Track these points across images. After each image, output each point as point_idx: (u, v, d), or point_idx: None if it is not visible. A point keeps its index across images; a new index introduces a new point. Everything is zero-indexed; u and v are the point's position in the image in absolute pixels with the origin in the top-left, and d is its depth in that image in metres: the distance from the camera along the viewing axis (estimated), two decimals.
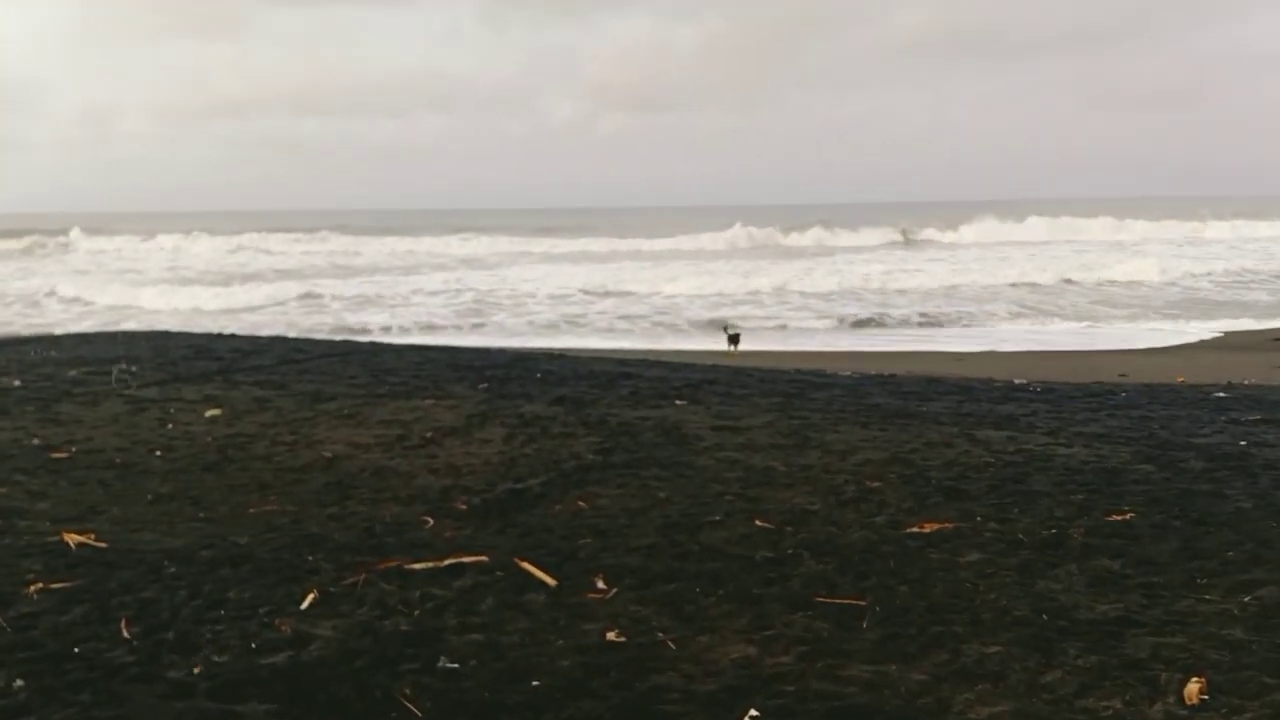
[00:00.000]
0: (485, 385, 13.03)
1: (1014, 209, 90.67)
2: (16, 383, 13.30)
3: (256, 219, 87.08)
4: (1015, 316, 24.74)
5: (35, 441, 9.80)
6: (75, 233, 59.38)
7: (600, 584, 5.84)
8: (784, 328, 23.36)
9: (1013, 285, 30.79)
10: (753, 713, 4.09)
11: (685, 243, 54.44)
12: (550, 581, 5.88)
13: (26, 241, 56.37)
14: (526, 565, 6.16)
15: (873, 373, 14.70)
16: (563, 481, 8.20)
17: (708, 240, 54.83)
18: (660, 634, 5.07)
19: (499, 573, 6.03)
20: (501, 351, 17.56)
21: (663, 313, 27.28)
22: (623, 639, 5.03)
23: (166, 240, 54.48)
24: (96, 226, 67.28)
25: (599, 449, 9.32)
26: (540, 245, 53.51)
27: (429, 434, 10.12)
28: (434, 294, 31.46)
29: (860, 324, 23.74)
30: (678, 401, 11.78)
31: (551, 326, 25.36)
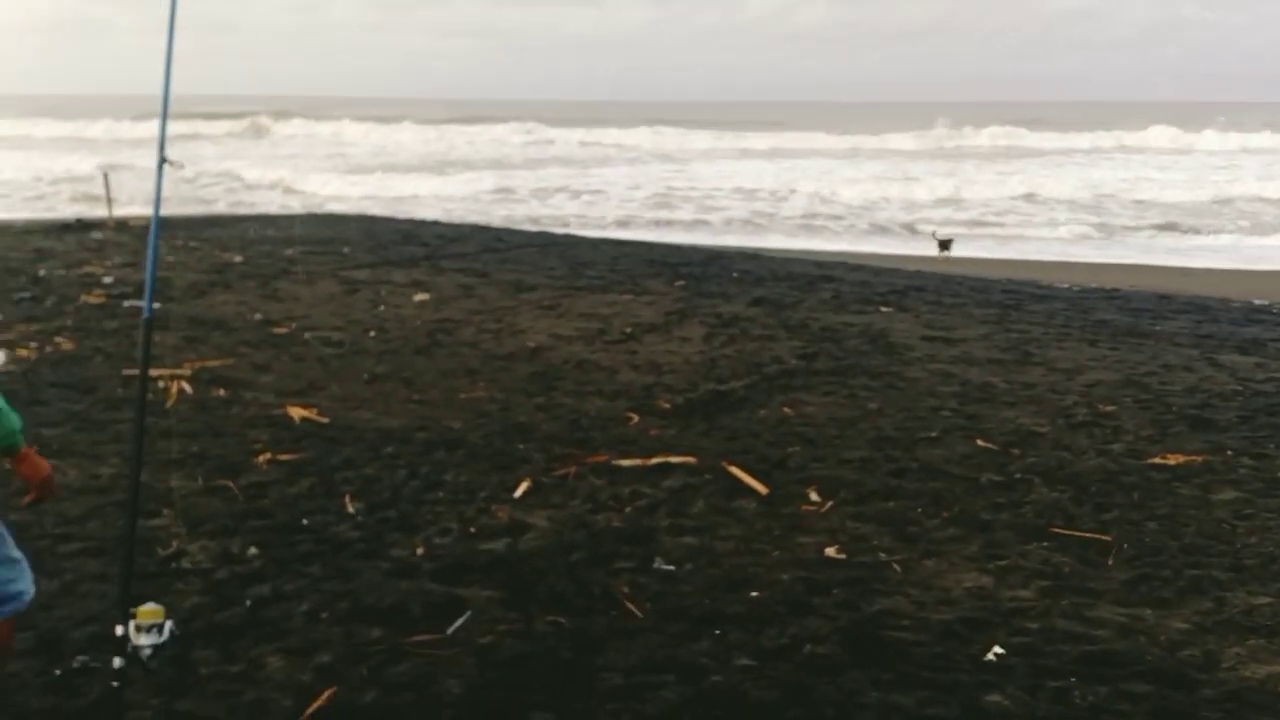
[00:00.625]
0: (681, 283, 12.85)
1: (1246, 112, 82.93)
2: (238, 259, 13.99)
3: (457, 107, 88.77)
4: (1250, 231, 22.54)
5: (258, 316, 10.25)
6: (280, 118, 62.06)
7: (814, 495, 5.61)
8: (995, 235, 22.12)
9: (1256, 199, 28.03)
10: (997, 649, 3.80)
11: (890, 140, 52.13)
12: (761, 489, 5.69)
13: (242, 123, 59.30)
14: (735, 470, 5.99)
15: (1094, 286, 13.72)
16: (766, 385, 7.95)
17: (910, 139, 52.26)
18: (883, 554, 4.81)
19: (707, 475, 5.88)
20: (695, 248, 17.32)
21: (860, 212, 26.29)
22: (843, 556, 4.80)
23: (368, 127, 56.25)
24: (302, 110, 70.14)
25: (802, 354, 9.02)
26: (733, 140, 52.34)
27: (628, 329, 10.04)
28: (630, 188, 31.29)
29: (1080, 237, 22.21)
30: (883, 308, 11.29)
31: (745, 223, 24.83)
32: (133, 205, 22.97)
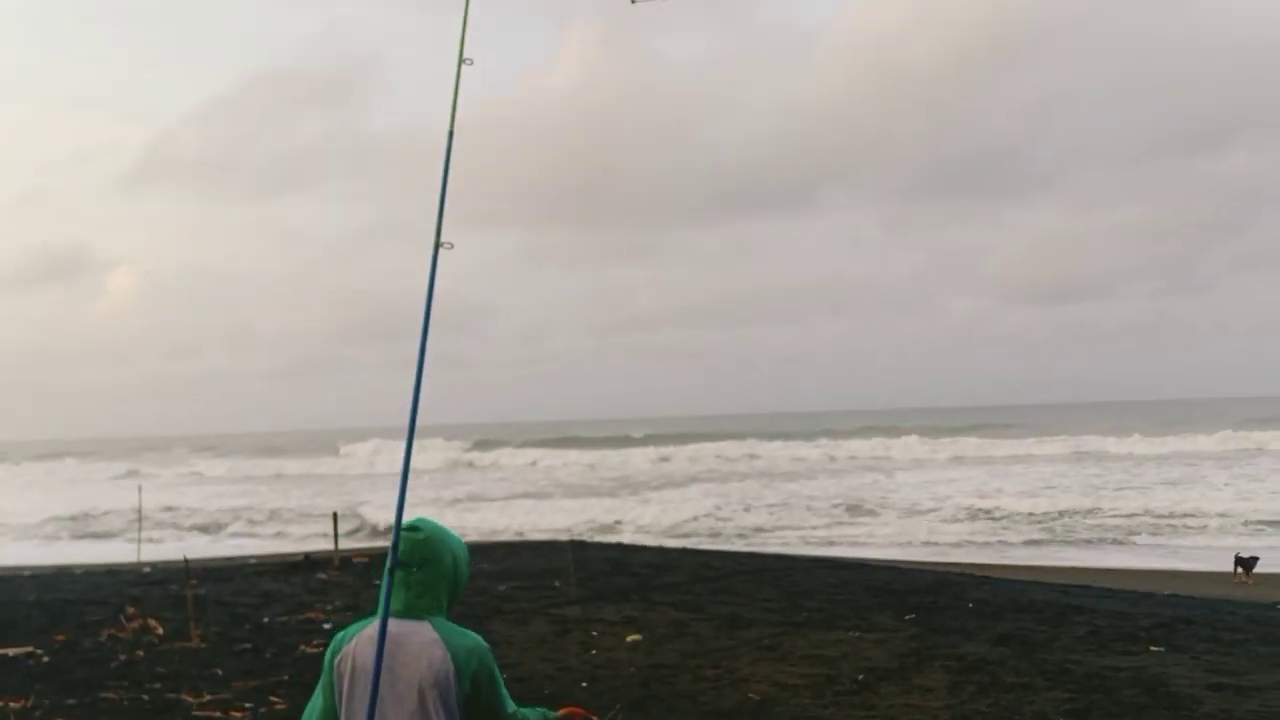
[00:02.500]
0: (912, 615, 11.83)
1: None
2: None
3: (666, 424, 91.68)
4: None
5: None
6: (492, 447, 65.25)
7: None
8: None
9: None
10: None
11: (1087, 442, 49.46)
12: None
13: (465, 448, 62.66)
14: None
15: None
16: None
17: (1117, 442, 49.22)
18: None
19: None
20: (921, 572, 16.24)
21: (1094, 518, 24.46)
22: None
23: (578, 453, 58.35)
24: (511, 437, 73.78)
25: (1070, 709, 7.83)
26: (934, 448, 51.10)
27: (860, 675, 9.10)
28: (826, 500, 30.56)
29: None
30: (1152, 647, 9.91)
31: (960, 542, 23.44)
32: (359, 535, 23.86)
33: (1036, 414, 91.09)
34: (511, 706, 3.00)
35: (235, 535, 29.67)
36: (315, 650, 10.70)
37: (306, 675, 9.57)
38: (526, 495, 36.65)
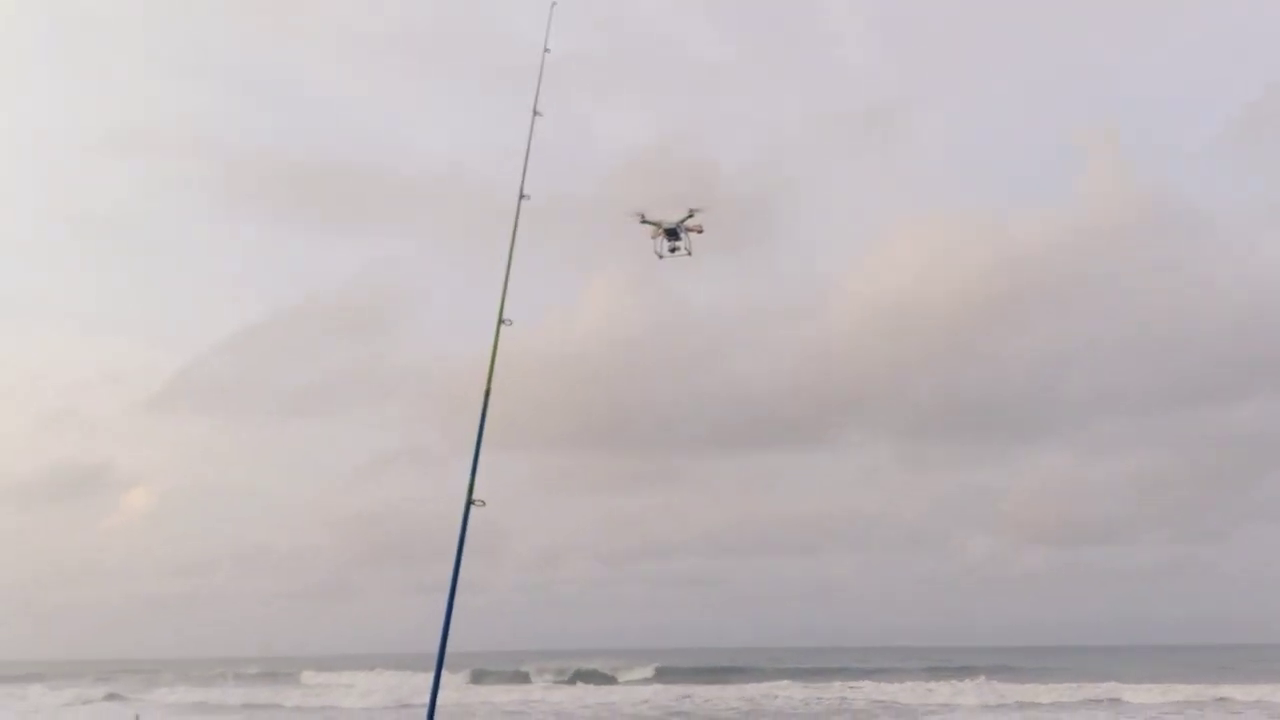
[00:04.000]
0: None
1: None
2: None
3: (675, 656, 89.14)
4: None
5: None
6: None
7: None
8: None
9: None
10: None
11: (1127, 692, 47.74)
12: None
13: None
14: None
15: None
16: None
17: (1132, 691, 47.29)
18: None
19: None
20: None
21: None
22: None
23: (594, 690, 56.87)
24: (545, 666, 72.05)
25: None
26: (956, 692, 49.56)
27: None
28: None
29: None
30: None
31: None
32: None
33: (1054, 655, 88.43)
34: None
35: None
36: None
37: None
38: None
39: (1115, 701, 45.20)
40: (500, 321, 3.99)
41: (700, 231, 13.41)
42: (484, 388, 4.14)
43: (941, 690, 50.16)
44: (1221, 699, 44.62)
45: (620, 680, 62.30)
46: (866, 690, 52.37)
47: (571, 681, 62.46)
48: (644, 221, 13.47)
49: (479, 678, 63.79)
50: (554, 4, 10.80)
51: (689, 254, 13.48)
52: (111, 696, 59.48)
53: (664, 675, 64.72)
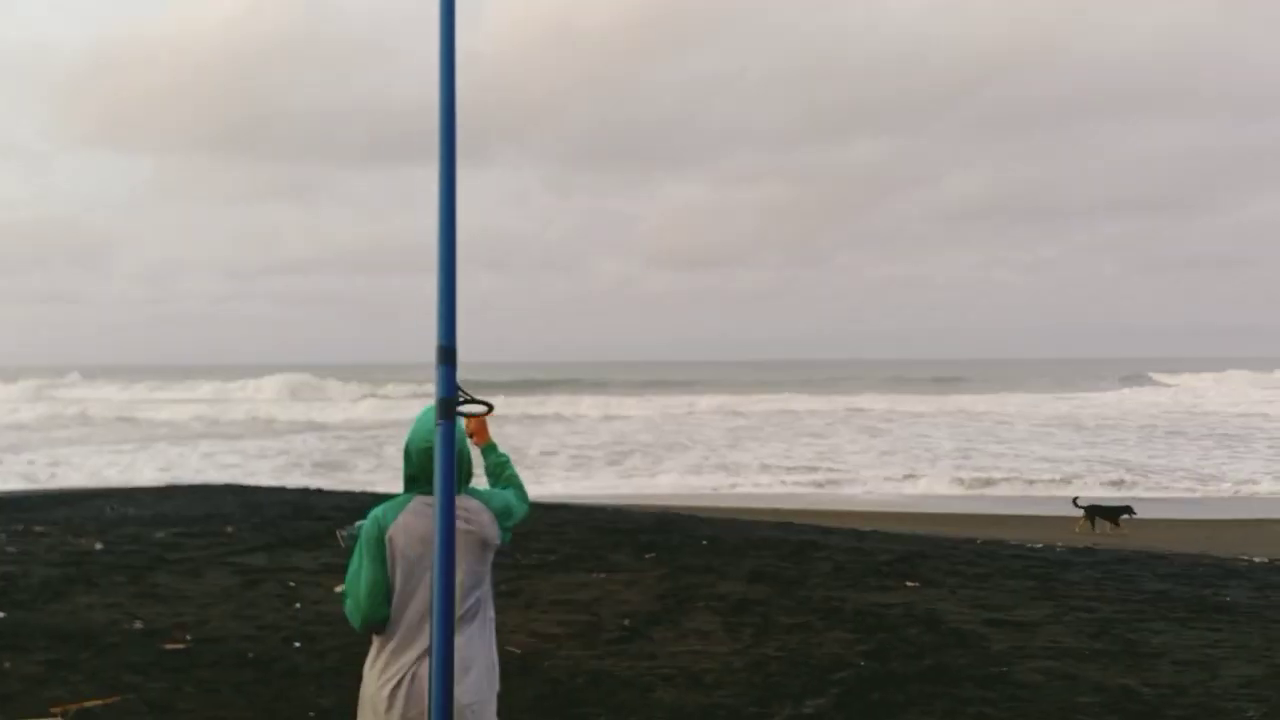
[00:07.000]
0: (652, 554, 10.97)
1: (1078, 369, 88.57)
2: (99, 545, 11.36)
3: (313, 371, 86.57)
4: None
5: (138, 625, 7.80)
6: (92, 385, 58.68)
7: None
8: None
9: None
10: None
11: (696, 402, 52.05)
12: None
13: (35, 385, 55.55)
14: None
15: (1060, 546, 12.62)
16: (858, 703, 6.04)
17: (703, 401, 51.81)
18: None
19: None
20: (643, 511, 15.57)
21: (728, 468, 25.16)
22: None
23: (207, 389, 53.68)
24: (149, 377, 67.11)
25: (864, 650, 7.18)
26: (563, 401, 51.72)
27: (625, 620, 8.05)
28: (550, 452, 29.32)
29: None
30: (908, 583, 9.63)
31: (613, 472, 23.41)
32: None
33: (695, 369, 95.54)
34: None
35: None
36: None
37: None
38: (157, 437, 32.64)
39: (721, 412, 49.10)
40: None
41: None
42: None
43: (553, 402, 51.67)
44: (809, 410, 49.68)
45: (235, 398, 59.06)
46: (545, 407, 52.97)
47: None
48: None
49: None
50: None
51: None
52: None
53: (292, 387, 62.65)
